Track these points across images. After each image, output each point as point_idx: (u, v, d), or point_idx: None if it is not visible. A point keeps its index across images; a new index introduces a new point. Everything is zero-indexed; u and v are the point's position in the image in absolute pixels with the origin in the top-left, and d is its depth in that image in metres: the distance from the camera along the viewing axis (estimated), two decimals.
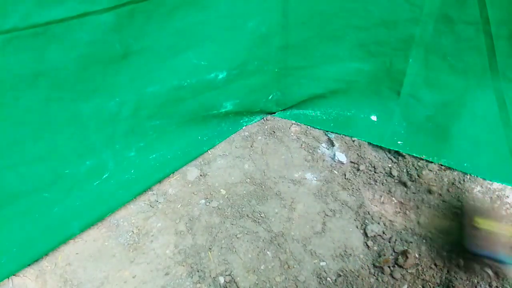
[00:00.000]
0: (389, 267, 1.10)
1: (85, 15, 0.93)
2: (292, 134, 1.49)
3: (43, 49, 0.92)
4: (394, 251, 1.13)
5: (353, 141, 1.42)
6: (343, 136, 1.45)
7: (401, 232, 1.18)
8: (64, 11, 0.90)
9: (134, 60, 1.09)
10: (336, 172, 1.36)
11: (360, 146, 1.41)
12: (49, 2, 0.86)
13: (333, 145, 1.43)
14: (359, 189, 1.30)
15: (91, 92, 1.06)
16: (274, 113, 1.55)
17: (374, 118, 1.45)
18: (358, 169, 1.35)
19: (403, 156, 1.34)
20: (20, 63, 0.91)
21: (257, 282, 1.09)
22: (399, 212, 1.23)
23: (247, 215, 1.24)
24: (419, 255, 1.12)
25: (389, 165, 1.35)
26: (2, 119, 0.94)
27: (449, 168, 1.28)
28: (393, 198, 1.26)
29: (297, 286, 1.08)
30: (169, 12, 1.07)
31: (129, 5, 0.98)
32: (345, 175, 1.34)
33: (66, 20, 0.91)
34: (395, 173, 1.32)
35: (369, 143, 1.41)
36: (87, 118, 1.09)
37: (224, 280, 1.09)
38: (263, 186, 1.32)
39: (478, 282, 1.05)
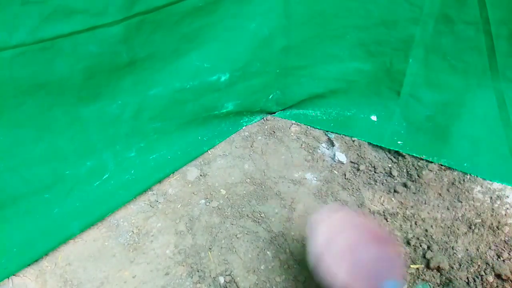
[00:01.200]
0: None
1: (94, 29, 0.91)
2: (292, 134, 1.49)
3: (50, 63, 0.91)
4: None
5: (353, 141, 1.42)
6: (343, 136, 1.45)
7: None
8: (73, 25, 0.88)
9: (139, 66, 1.09)
10: (336, 172, 1.36)
11: (360, 146, 1.41)
12: (57, 17, 0.85)
13: (333, 145, 1.43)
14: (359, 189, 1.30)
15: (94, 97, 1.06)
16: (274, 112, 1.55)
17: (374, 118, 1.45)
18: (358, 169, 1.35)
19: (403, 156, 1.34)
20: (26, 75, 0.89)
21: (257, 282, 1.09)
22: (399, 212, 1.23)
23: (247, 215, 1.24)
24: None
25: (389, 165, 1.35)
26: (3, 123, 0.94)
27: (449, 168, 1.28)
28: (393, 198, 1.26)
29: (297, 286, 1.08)
30: (177, 21, 1.06)
31: (138, 17, 0.97)
32: (345, 175, 1.34)
33: (74, 34, 0.89)
34: (395, 173, 1.32)
35: (369, 143, 1.41)
36: (88, 121, 1.10)
37: (224, 280, 1.09)
38: (263, 186, 1.32)
39: (474, 280, 1.05)
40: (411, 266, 1.09)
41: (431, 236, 1.15)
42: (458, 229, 1.15)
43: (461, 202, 1.21)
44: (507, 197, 1.21)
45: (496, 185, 1.24)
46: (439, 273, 1.08)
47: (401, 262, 0.87)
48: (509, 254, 1.09)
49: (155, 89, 1.18)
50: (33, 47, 0.86)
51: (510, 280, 1.04)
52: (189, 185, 1.33)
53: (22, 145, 1.01)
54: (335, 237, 0.87)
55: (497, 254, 1.09)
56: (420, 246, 1.13)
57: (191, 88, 1.24)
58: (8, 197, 1.06)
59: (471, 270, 1.07)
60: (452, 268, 1.08)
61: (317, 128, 1.49)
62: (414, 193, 1.26)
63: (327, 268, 0.82)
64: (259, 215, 1.24)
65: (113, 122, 1.15)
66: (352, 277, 0.81)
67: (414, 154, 1.33)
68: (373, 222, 0.93)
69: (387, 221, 1.20)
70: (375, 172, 1.34)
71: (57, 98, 0.99)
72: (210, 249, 1.16)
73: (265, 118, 1.54)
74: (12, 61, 0.85)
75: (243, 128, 1.50)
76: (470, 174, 1.26)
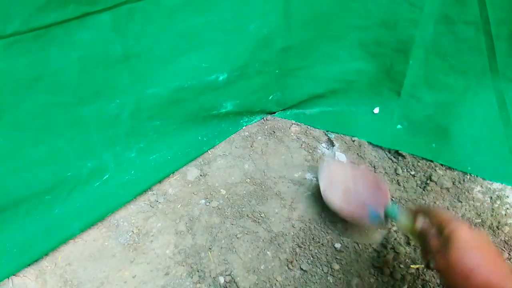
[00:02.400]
0: (389, 267, 1.10)
1: (85, 15, 0.93)
2: (292, 134, 1.49)
3: (44, 52, 0.92)
4: (394, 250, 1.13)
5: (353, 141, 1.42)
6: (343, 136, 1.45)
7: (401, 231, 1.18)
8: (66, 13, 0.90)
9: (135, 62, 1.09)
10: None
11: (360, 146, 1.41)
12: (50, 6, 0.86)
13: (333, 145, 1.43)
14: None
15: (92, 96, 1.07)
16: (274, 113, 1.55)
17: (376, 110, 1.44)
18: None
19: (403, 156, 1.34)
20: (22, 67, 0.90)
21: (257, 282, 1.09)
22: None
23: (247, 215, 1.24)
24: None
25: (389, 165, 1.35)
26: (3, 124, 0.94)
27: (449, 168, 1.29)
28: (393, 198, 1.26)
29: (297, 286, 1.08)
30: (169, 14, 1.06)
31: (127, 4, 0.98)
32: None
33: (66, 22, 0.91)
34: (394, 172, 1.32)
35: (369, 143, 1.41)
36: (88, 121, 1.10)
37: (224, 280, 1.09)
38: (263, 186, 1.32)
39: None
40: (411, 266, 1.10)
41: None
42: None
43: (461, 202, 1.21)
44: (507, 197, 1.21)
45: (496, 185, 1.24)
46: (439, 273, 1.08)
47: (386, 199, 1.12)
48: (509, 254, 1.09)
49: (153, 88, 1.18)
50: (27, 36, 0.87)
51: None
52: (189, 185, 1.33)
53: (23, 147, 1.01)
54: (339, 177, 1.23)
55: None
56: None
57: (189, 87, 1.24)
58: (9, 199, 1.06)
59: None
60: None
61: (317, 128, 1.49)
62: (414, 192, 1.26)
63: (330, 196, 1.18)
64: (259, 215, 1.24)
65: (113, 122, 1.15)
66: (346, 204, 1.16)
67: (414, 154, 1.33)
68: (370, 171, 1.31)
69: None
70: (375, 172, 1.34)
71: (54, 95, 0.99)
72: (210, 249, 1.16)
73: (265, 118, 1.54)
74: (8, 50, 0.86)
75: (243, 128, 1.50)
76: (470, 174, 1.26)
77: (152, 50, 1.11)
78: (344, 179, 1.22)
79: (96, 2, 0.93)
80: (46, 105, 0.99)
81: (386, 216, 1.05)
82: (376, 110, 1.44)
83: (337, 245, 1.15)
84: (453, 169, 1.28)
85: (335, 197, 1.17)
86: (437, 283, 1.07)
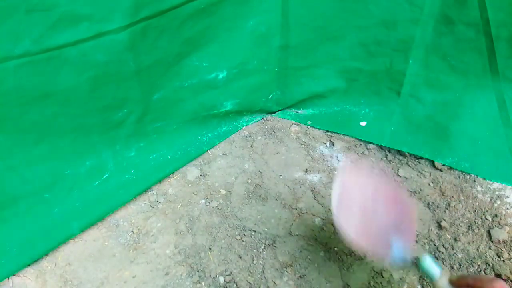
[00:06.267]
0: (388, 269, 1.10)
1: (100, 36, 0.90)
2: (292, 134, 1.49)
3: (56, 73, 0.89)
4: None
5: (353, 141, 1.42)
6: (343, 136, 1.45)
7: None
8: (79, 33, 0.86)
9: (145, 74, 1.08)
10: (336, 172, 1.35)
11: (360, 146, 1.41)
12: (63, 24, 0.83)
13: (333, 145, 1.43)
14: None
15: (101, 108, 1.06)
16: (274, 112, 1.55)
17: (363, 124, 1.44)
18: None
19: (404, 156, 1.34)
20: (31, 85, 0.88)
21: (257, 282, 1.09)
22: None
23: (247, 215, 1.24)
24: None
25: (389, 165, 1.35)
26: (6, 129, 0.93)
27: (449, 168, 1.29)
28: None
29: (297, 287, 1.08)
30: (180, 24, 1.06)
31: (143, 22, 0.96)
32: None
33: (80, 42, 0.88)
34: (395, 173, 1.32)
35: (369, 143, 1.41)
36: (91, 127, 1.09)
37: (224, 280, 1.09)
38: (263, 186, 1.32)
39: None
40: None
41: (431, 236, 1.15)
42: (458, 229, 1.16)
43: (461, 202, 1.21)
44: (507, 197, 1.21)
45: (496, 185, 1.24)
46: None
47: (412, 228, 0.85)
48: (509, 254, 1.09)
49: (158, 93, 1.18)
50: (38, 57, 0.83)
51: (510, 280, 1.04)
52: (189, 185, 1.33)
53: (22, 145, 1.01)
54: (354, 193, 0.88)
55: (497, 254, 1.09)
56: (420, 246, 1.13)
57: (189, 86, 1.25)
58: (8, 196, 1.06)
59: (471, 270, 1.07)
60: (452, 268, 1.08)
61: (317, 128, 1.49)
62: (415, 192, 1.26)
63: (341, 222, 0.83)
64: (259, 215, 1.24)
65: (116, 126, 1.15)
66: (360, 235, 0.82)
67: (414, 154, 1.33)
68: (394, 183, 0.93)
69: None
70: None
71: (62, 108, 0.98)
72: (210, 249, 1.16)
73: (265, 118, 1.54)
74: (16, 71, 0.82)
75: (243, 128, 1.50)
76: (470, 174, 1.26)
77: (161, 60, 1.10)
78: (361, 194, 0.90)
79: (111, 20, 0.89)
80: (51, 115, 0.98)
81: (415, 265, 0.76)
82: (363, 123, 1.44)
83: (336, 248, 1.15)
84: (453, 169, 1.28)
85: (349, 224, 0.84)
86: None
